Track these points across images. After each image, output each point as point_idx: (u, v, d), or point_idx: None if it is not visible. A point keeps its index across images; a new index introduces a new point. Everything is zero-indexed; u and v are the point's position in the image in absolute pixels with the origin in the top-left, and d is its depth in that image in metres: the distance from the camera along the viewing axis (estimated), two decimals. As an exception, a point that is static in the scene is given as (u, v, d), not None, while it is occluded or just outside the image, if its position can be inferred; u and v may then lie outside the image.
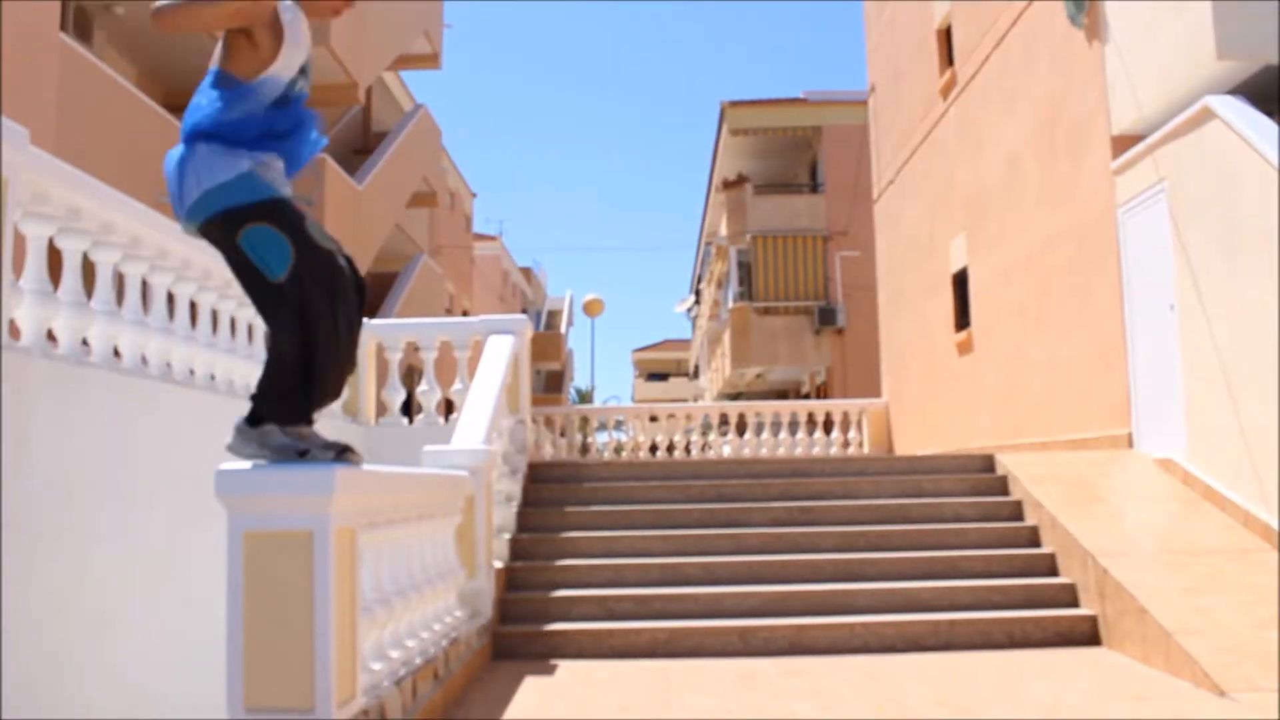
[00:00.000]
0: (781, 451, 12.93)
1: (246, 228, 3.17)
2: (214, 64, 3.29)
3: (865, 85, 17.77)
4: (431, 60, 22.55)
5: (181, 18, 3.05)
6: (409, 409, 9.85)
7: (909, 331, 15.32)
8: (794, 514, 7.84)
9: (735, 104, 26.20)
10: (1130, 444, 8.46)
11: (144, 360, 5.54)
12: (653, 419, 15.48)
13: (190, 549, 5.34)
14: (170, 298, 5.99)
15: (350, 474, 3.36)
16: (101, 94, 11.75)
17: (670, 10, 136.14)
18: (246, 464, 3.29)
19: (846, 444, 13.48)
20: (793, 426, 13.59)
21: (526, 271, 47.62)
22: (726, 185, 27.17)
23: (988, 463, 8.68)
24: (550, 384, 45.14)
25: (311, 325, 3.15)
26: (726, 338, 28.13)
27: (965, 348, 12.66)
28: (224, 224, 3.20)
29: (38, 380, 4.37)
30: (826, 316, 24.87)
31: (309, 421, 3.34)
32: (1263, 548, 6.26)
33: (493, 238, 39.31)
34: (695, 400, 44.97)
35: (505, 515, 7.45)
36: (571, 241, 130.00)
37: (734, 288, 26.56)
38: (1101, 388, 9.00)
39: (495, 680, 5.41)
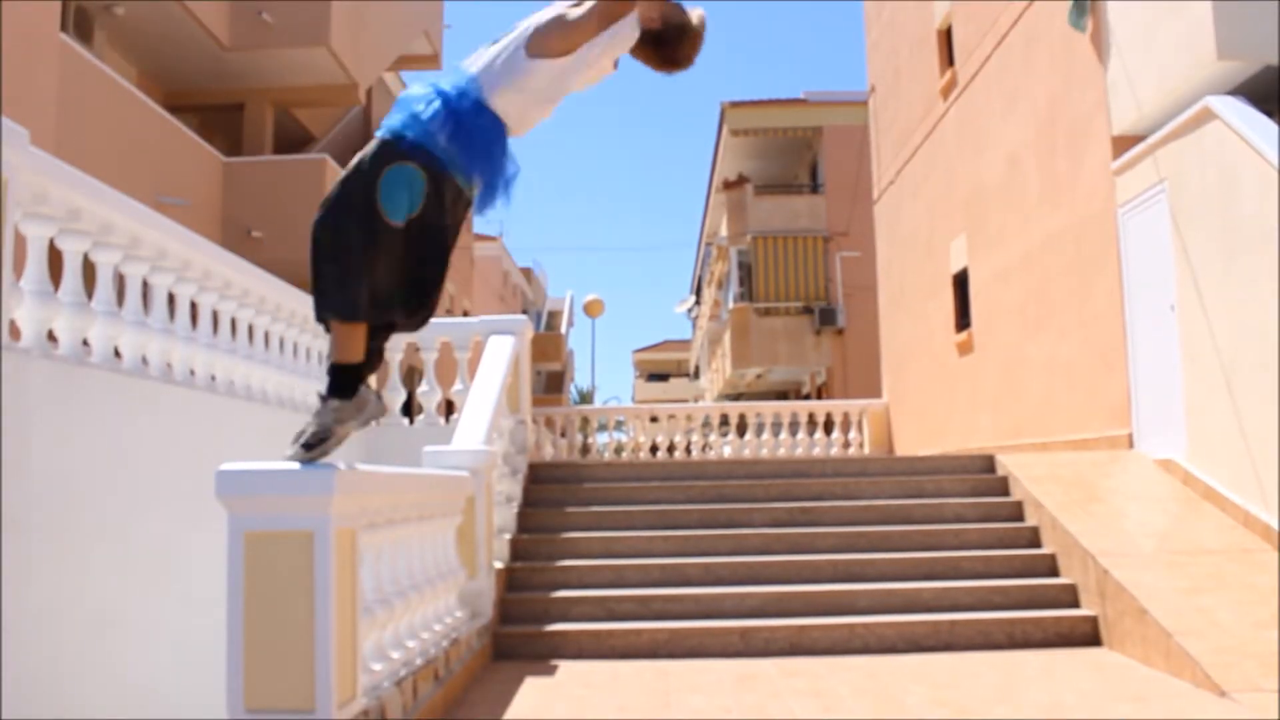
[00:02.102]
0: (782, 452, 12.93)
1: None
2: None
3: (865, 85, 17.77)
4: (432, 60, 22.54)
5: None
6: (409, 409, 9.85)
7: (909, 332, 15.32)
8: (794, 514, 7.84)
9: (736, 104, 26.21)
10: (1130, 444, 8.46)
11: (144, 361, 5.54)
12: (653, 419, 15.48)
13: (190, 549, 5.34)
14: (171, 298, 5.99)
15: (350, 474, 3.36)
16: (101, 94, 11.75)
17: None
18: (248, 464, 3.28)
19: (847, 444, 13.49)
20: (793, 427, 13.59)
21: (527, 272, 47.58)
22: (727, 186, 27.18)
23: (988, 463, 8.68)
24: (551, 384, 45.11)
25: None
26: (727, 338, 28.13)
27: (965, 348, 12.66)
28: None
29: (38, 380, 4.37)
30: (827, 317, 24.87)
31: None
32: (1263, 548, 6.26)
33: (493, 238, 39.27)
34: (696, 401, 44.97)
35: (506, 516, 7.45)
36: (571, 241, 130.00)
37: (734, 288, 26.56)
38: (1102, 388, 8.99)
39: (495, 680, 5.41)
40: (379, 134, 3.31)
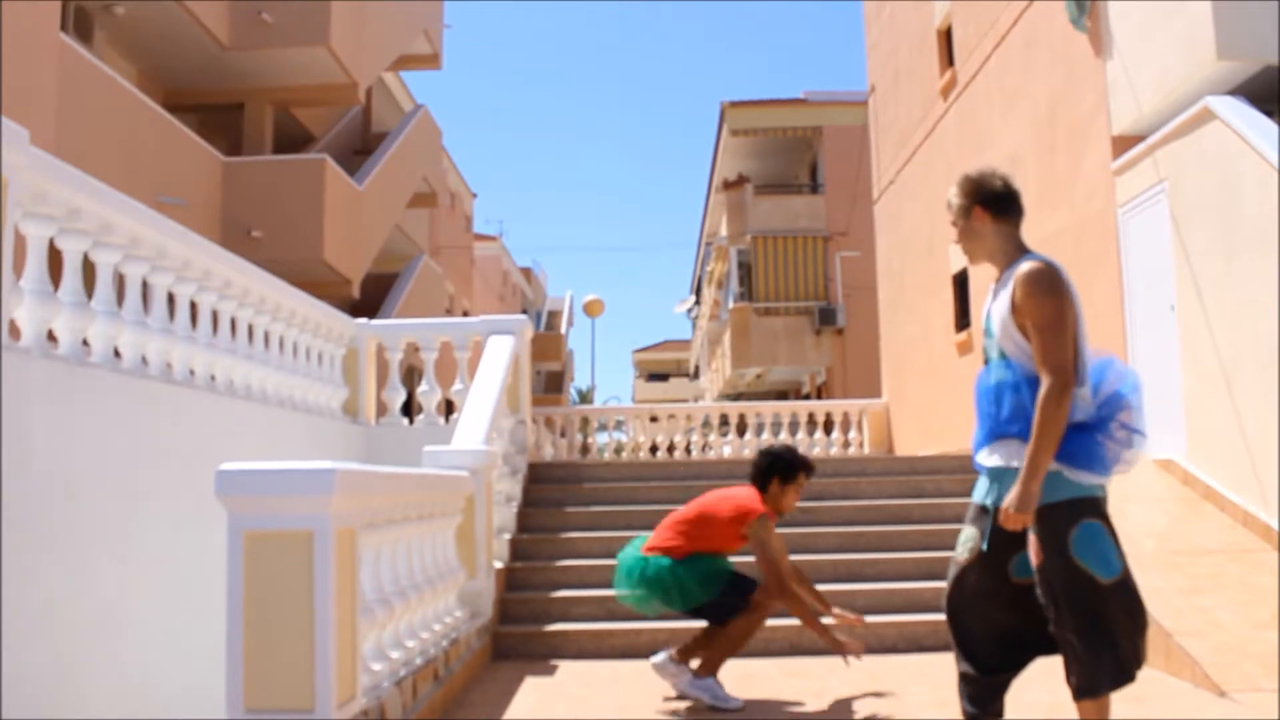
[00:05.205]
0: (782, 452, 12.90)
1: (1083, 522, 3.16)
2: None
3: (865, 85, 17.77)
4: (431, 60, 22.55)
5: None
6: (409, 409, 9.85)
7: (909, 332, 15.32)
8: (794, 514, 7.83)
9: (735, 104, 26.20)
10: (1130, 444, 8.45)
11: (144, 360, 5.54)
12: (653, 419, 15.48)
13: (190, 549, 5.34)
14: (171, 298, 5.99)
15: (350, 474, 3.36)
16: (101, 94, 11.75)
17: (670, 10, 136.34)
18: (248, 464, 3.28)
19: (847, 444, 13.48)
20: (793, 427, 13.59)
21: (526, 272, 47.59)
22: (727, 185, 27.17)
23: (988, 463, 8.66)
24: (550, 384, 45.12)
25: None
26: (727, 338, 28.13)
27: (965, 348, 12.65)
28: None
29: (38, 380, 4.37)
30: (826, 317, 24.87)
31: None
32: (1263, 548, 6.26)
33: (493, 238, 39.28)
34: (696, 401, 44.98)
35: (505, 515, 7.45)
36: (571, 241, 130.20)
37: (734, 288, 26.56)
38: (1102, 388, 8.98)
39: (495, 680, 5.41)
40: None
